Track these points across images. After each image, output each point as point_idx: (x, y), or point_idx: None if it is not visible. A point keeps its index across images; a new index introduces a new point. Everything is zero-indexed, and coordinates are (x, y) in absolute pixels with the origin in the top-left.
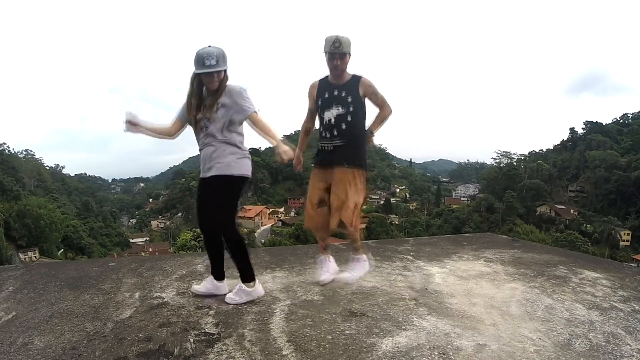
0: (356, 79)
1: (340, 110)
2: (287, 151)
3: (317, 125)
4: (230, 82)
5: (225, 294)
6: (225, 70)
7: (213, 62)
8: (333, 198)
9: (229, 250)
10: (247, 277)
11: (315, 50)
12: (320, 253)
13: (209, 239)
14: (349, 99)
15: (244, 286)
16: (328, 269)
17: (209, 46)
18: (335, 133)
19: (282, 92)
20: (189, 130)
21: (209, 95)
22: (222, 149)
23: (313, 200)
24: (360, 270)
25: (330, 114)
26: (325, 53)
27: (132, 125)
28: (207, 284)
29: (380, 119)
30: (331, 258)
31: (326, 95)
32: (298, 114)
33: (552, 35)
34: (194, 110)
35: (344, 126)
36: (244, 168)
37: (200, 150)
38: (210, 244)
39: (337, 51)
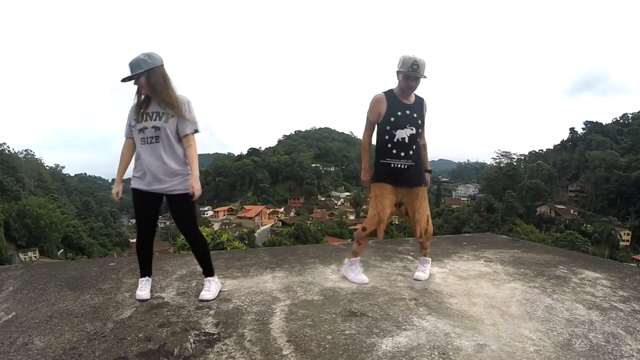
0: (420, 100)
1: (414, 131)
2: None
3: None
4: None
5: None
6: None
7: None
8: (421, 214)
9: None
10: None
11: (313, 50)
12: (354, 256)
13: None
14: (419, 121)
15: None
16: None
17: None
18: (411, 153)
19: (283, 92)
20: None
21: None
22: None
23: (386, 214)
24: (429, 270)
25: (404, 134)
26: (401, 72)
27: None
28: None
29: (426, 152)
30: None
31: (399, 114)
32: (297, 114)
33: (553, 36)
34: None
35: (414, 147)
36: None
37: (144, 158)
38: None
39: (415, 74)
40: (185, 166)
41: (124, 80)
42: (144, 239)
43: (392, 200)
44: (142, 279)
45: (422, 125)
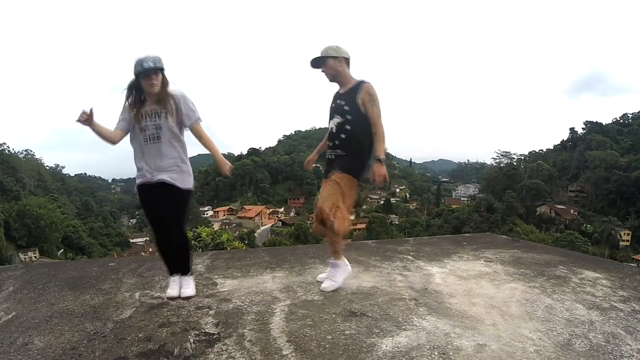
0: (355, 87)
1: (339, 119)
2: None
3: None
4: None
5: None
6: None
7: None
8: (322, 198)
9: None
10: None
11: (314, 51)
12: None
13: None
14: (346, 107)
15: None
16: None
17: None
18: (337, 142)
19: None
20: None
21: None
22: None
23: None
24: (341, 276)
25: (333, 123)
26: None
27: (87, 118)
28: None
29: (378, 140)
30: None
31: (332, 105)
32: (297, 114)
33: (554, 36)
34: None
35: (343, 135)
36: None
37: (142, 156)
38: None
39: (317, 58)
40: (184, 163)
41: (147, 71)
42: (164, 238)
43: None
44: (172, 277)
45: (350, 112)
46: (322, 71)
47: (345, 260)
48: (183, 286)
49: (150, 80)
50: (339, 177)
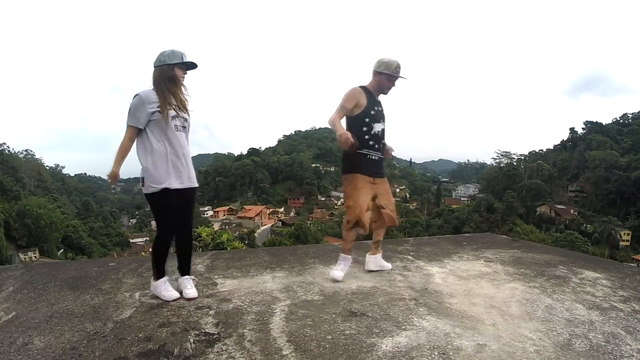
0: (380, 100)
1: (383, 125)
2: None
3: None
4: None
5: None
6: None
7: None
8: (391, 206)
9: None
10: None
11: (314, 51)
12: (348, 253)
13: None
14: (384, 115)
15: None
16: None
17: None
18: (381, 146)
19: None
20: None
21: (177, 93)
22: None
23: (369, 206)
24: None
25: (380, 127)
26: (384, 74)
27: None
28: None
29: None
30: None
31: (376, 108)
32: (297, 114)
33: (554, 36)
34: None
35: (383, 141)
36: None
37: (175, 152)
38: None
39: (398, 76)
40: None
41: (193, 66)
42: (170, 242)
43: (370, 192)
44: (180, 279)
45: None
46: (392, 86)
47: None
48: (188, 287)
49: (183, 73)
50: (388, 184)
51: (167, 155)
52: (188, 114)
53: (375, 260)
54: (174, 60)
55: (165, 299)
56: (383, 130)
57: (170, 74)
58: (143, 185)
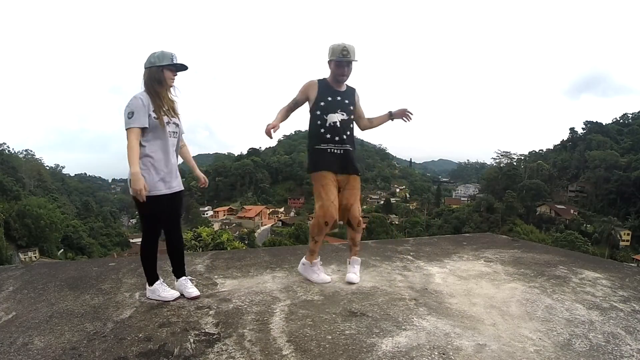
0: (352, 89)
1: (345, 116)
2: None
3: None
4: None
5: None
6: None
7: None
8: (355, 206)
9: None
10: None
11: (313, 51)
12: (315, 256)
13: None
14: (351, 108)
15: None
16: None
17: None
18: (345, 137)
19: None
20: (186, 129)
21: (166, 96)
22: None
23: (336, 202)
24: (359, 271)
25: (335, 118)
26: (332, 61)
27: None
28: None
29: (377, 118)
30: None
31: (329, 99)
32: (297, 114)
33: (555, 36)
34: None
35: (349, 132)
36: None
37: (167, 159)
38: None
39: (345, 59)
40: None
41: (183, 67)
42: (157, 244)
43: (336, 187)
44: (177, 281)
45: (353, 112)
46: (344, 71)
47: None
48: (188, 286)
49: (173, 76)
50: (358, 182)
51: (160, 162)
52: (179, 119)
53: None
54: (163, 61)
55: (167, 299)
56: (344, 120)
57: (158, 76)
58: (131, 187)
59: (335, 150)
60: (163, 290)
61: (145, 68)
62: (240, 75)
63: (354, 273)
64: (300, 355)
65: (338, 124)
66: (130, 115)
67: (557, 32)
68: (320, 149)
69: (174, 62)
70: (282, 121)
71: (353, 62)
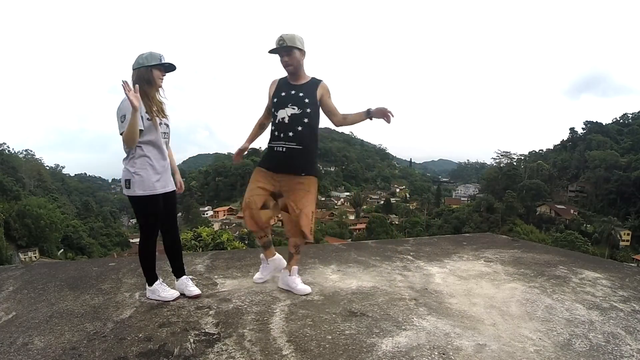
0: (316, 81)
1: (296, 110)
2: None
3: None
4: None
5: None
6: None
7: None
8: (292, 208)
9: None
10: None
11: (313, 50)
12: (267, 253)
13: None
14: (306, 100)
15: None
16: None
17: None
18: (291, 134)
19: None
20: (186, 129)
21: (155, 96)
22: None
23: (257, 204)
24: (299, 280)
25: (285, 113)
26: (272, 53)
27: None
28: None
29: (353, 116)
30: (271, 259)
31: (282, 94)
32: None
33: (554, 36)
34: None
35: (299, 128)
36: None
37: (162, 158)
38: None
39: (280, 46)
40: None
41: (172, 67)
42: (155, 244)
43: (266, 188)
44: (178, 280)
45: (310, 106)
46: (285, 60)
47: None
48: (189, 285)
49: (163, 75)
50: (311, 183)
51: (155, 161)
52: (168, 119)
53: (283, 277)
54: (152, 62)
55: (166, 299)
56: (294, 115)
57: (147, 76)
58: (128, 188)
59: (279, 148)
60: (163, 290)
61: (133, 69)
62: (240, 75)
63: (292, 283)
64: (300, 355)
65: (287, 119)
66: (123, 118)
67: (557, 32)
68: (269, 146)
69: (162, 61)
70: (252, 140)
71: (296, 50)
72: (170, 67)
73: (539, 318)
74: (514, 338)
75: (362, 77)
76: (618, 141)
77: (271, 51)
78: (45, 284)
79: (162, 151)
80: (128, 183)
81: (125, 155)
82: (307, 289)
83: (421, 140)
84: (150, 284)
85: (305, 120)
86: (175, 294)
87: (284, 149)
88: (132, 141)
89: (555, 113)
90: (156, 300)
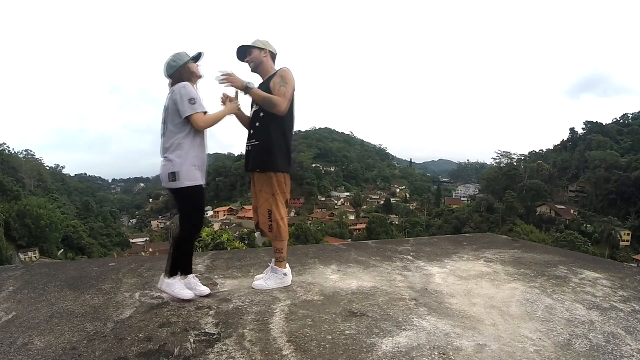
0: (276, 72)
1: (255, 107)
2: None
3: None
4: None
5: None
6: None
7: None
8: (259, 204)
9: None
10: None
11: (313, 50)
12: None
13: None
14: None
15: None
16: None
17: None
18: (252, 132)
19: None
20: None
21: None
22: None
23: (255, 201)
24: (274, 282)
25: (250, 112)
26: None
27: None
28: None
29: (265, 96)
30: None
31: None
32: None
33: (554, 36)
34: None
35: (257, 124)
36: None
37: (203, 151)
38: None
39: (239, 48)
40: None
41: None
42: (196, 238)
43: (253, 188)
44: (187, 278)
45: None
46: (246, 61)
47: (287, 269)
48: (199, 284)
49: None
50: (266, 179)
51: (203, 152)
52: None
53: (265, 276)
54: (185, 59)
55: (181, 297)
56: (254, 112)
57: (191, 71)
58: (174, 180)
59: (247, 147)
60: (181, 287)
61: (171, 75)
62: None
63: (260, 279)
64: (300, 355)
65: (251, 117)
66: (192, 101)
67: (557, 32)
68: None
69: (190, 56)
70: (242, 116)
71: (255, 49)
72: (199, 56)
73: (539, 318)
74: (514, 338)
75: (362, 77)
76: (618, 141)
77: (240, 59)
78: (45, 284)
79: (205, 143)
80: (174, 175)
81: (169, 145)
82: (263, 285)
83: (421, 140)
84: (170, 276)
85: (261, 114)
86: (190, 294)
87: (249, 147)
88: (209, 125)
89: (555, 113)
90: (168, 294)
